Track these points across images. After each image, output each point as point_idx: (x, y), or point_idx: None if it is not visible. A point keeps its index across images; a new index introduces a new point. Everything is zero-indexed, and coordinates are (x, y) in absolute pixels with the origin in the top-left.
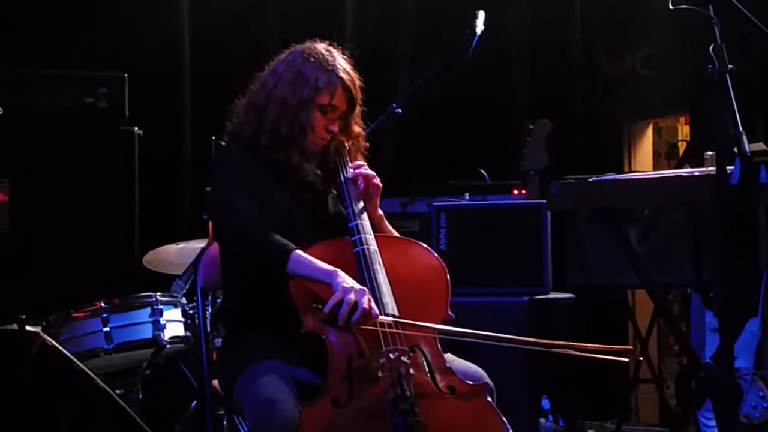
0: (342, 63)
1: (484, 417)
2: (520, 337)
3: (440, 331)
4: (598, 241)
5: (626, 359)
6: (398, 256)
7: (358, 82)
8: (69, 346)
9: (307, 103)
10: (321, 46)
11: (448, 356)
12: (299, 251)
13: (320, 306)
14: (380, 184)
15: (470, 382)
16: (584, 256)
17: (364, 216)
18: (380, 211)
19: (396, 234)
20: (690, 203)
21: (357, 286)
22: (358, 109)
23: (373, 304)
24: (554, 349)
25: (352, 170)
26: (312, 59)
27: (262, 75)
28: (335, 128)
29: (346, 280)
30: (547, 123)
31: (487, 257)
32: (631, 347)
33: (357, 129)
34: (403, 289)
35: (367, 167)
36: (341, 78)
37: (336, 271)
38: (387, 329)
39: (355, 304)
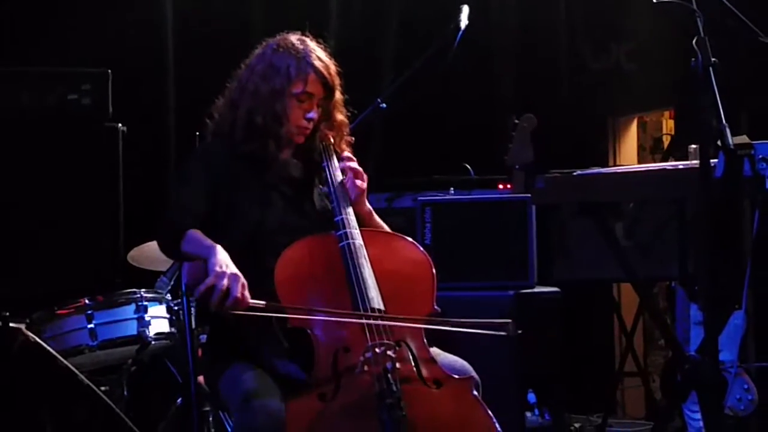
0: (314, 50)
1: (471, 411)
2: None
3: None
4: (583, 235)
5: (504, 333)
6: (384, 250)
7: (333, 68)
8: (53, 343)
9: (280, 92)
10: (293, 37)
11: (434, 350)
12: (196, 231)
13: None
14: (364, 183)
15: (456, 376)
16: (569, 250)
17: (350, 210)
18: (368, 206)
19: (386, 228)
20: (674, 196)
21: (231, 269)
22: (339, 96)
23: (246, 291)
24: (434, 326)
25: (338, 164)
26: (282, 49)
27: (238, 72)
28: (314, 115)
29: (221, 262)
30: (532, 118)
31: (473, 251)
32: (510, 320)
33: (340, 117)
34: (389, 283)
35: (355, 162)
36: (312, 64)
37: (214, 247)
38: (373, 322)
39: (227, 291)
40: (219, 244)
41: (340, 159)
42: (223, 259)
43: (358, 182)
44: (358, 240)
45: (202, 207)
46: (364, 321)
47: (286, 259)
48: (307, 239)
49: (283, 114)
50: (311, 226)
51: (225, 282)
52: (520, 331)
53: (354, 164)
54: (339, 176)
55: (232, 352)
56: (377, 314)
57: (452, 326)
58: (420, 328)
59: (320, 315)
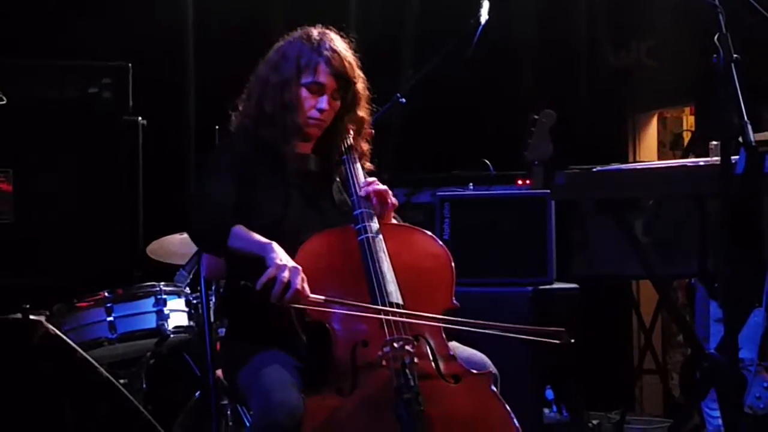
0: (331, 41)
1: (489, 406)
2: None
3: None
4: (602, 231)
5: (558, 341)
6: (403, 244)
7: (350, 60)
8: (73, 335)
9: (290, 81)
10: (315, 30)
11: (453, 344)
12: (241, 226)
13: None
14: (396, 202)
15: (474, 371)
16: (588, 246)
17: (369, 204)
18: (392, 219)
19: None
20: (695, 193)
21: (291, 263)
22: (362, 91)
23: (306, 284)
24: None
25: (359, 165)
26: (298, 40)
27: (259, 66)
28: (325, 106)
29: (281, 256)
30: (552, 113)
31: (491, 247)
32: (563, 328)
33: (361, 114)
34: (408, 277)
35: (377, 183)
36: (324, 54)
37: (270, 244)
38: (391, 318)
39: (288, 283)
40: None
41: (361, 156)
42: (282, 253)
43: (390, 202)
44: (378, 234)
45: (233, 200)
46: (391, 317)
47: (304, 252)
48: (326, 232)
49: (292, 103)
50: (330, 220)
51: (286, 274)
52: (573, 340)
53: (377, 185)
54: (360, 176)
55: (251, 346)
56: (396, 309)
57: (503, 330)
58: (443, 325)
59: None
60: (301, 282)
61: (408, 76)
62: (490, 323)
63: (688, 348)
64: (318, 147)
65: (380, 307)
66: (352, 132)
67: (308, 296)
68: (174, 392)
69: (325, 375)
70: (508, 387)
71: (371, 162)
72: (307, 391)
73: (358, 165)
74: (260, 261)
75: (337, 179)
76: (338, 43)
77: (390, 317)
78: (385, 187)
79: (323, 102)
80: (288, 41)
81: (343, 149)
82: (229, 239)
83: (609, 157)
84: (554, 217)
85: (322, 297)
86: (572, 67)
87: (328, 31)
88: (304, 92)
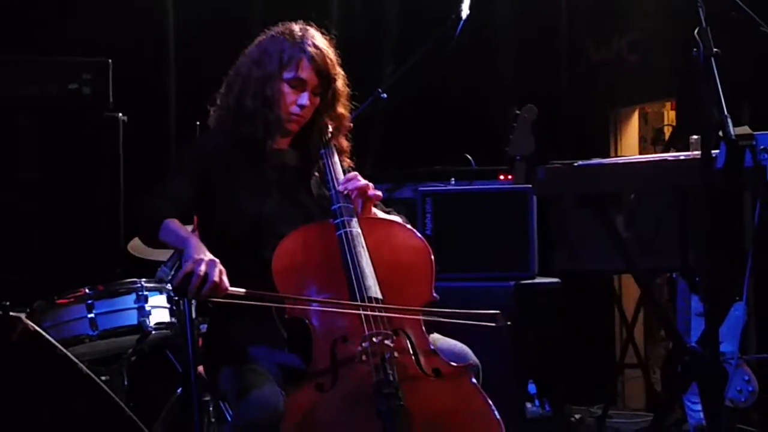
0: (312, 37)
1: (470, 400)
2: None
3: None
4: (584, 226)
5: (493, 324)
6: (382, 239)
7: (330, 57)
8: (53, 332)
9: (271, 76)
10: (296, 26)
11: (434, 336)
12: (173, 220)
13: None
14: (378, 193)
15: (455, 364)
16: (570, 241)
17: (348, 199)
18: (373, 210)
19: (397, 218)
20: (675, 187)
21: (208, 257)
22: (341, 88)
23: (224, 277)
24: (423, 317)
25: (337, 159)
26: (280, 35)
27: (237, 61)
28: (306, 102)
29: (198, 251)
30: (534, 108)
31: (473, 242)
32: (498, 311)
33: (341, 110)
34: (387, 272)
35: (358, 177)
36: (306, 50)
37: (189, 239)
38: (370, 313)
39: (205, 276)
40: (216, 236)
41: (341, 153)
42: (200, 247)
43: (370, 194)
44: (356, 228)
45: (186, 196)
46: (344, 310)
47: (282, 249)
48: (304, 228)
49: (273, 98)
50: (309, 215)
51: (203, 268)
52: (509, 323)
53: (357, 181)
54: (339, 170)
55: (232, 342)
56: (374, 304)
57: (442, 316)
58: (418, 317)
59: (314, 304)
60: (219, 275)
61: (389, 71)
62: (429, 309)
63: (670, 342)
64: (296, 142)
65: (329, 300)
66: (331, 128)
67: (227, 289)
68: (156, 389)
69: (305, 371)
70: (491, 381)
71: (352, 158)
72: (287, 388)
73: (336, 159)
74: (234, 259)
75: (316, 174)
76: (320, 40)
77: (362, 312)
78: (365, 182)
79: (304, 98)
80: (269, 36)
81: (322, 144)
82: (160, 232)
83: (590, 151)
84: (536, 212)
85: (243, 290)
86: (553, 62)
87: (309, 28)
88: (285, 87)
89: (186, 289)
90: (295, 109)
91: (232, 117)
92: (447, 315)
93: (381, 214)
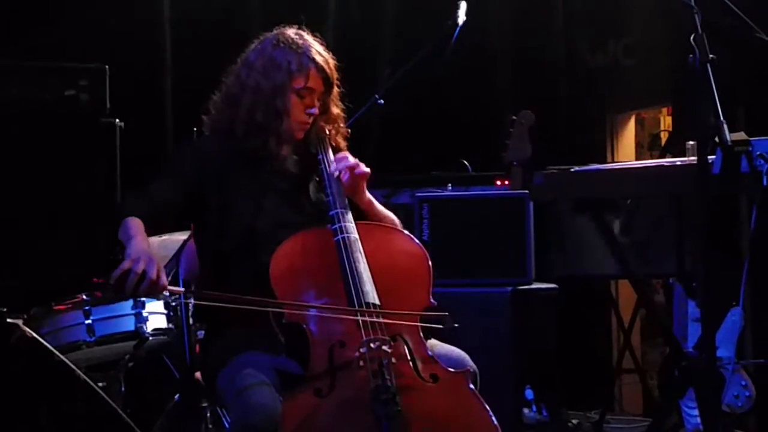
0: (313, 44)
1: (468, 405)
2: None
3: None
4: (580, 231)
5: (441, 326)
6: (379, 244)
7: (332, 62)
8: (51, 338)
9: (282, 88)
10: (291, 31)
11: (432, 342)
12: (133, 219)
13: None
14: (366, 170)
15: (452, 370)
16: (567, 246)
17: (346, 203)
18: (368, 196)
19: (390, 215)
20: (672, 193)
21: (147, 255)
22: (335, 90)
23: (162, 274)
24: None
25: (334, 163)
26: (282, 44)
27: (234, 67)
28: (315, 111)
29: (138, 249)
30: (530, 114)
31: (470, 248)
32: (446, 313)
33: (336, 110)
34: (384, 277)
35: (349, 156)
36: (313, 59)
37: (132, 239)
38: (368, 318)
39: (143, 274)
40: (213, 242)
41: (336, 152)
42: (141, 246)
43: (357, 171)
44: (353, 234)
45: (165, 199)
46: (341, 315)
47: (280, 254)
48: (302, 234)
49: (284, 110)
50: (307, 220)
51: (141, 265)
52: (456, 324)
53: (348, 161)
54: (334, 168)
55: (230, 348)
56: (368, 309)
57: (394, 318)
58: (415, 323)
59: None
60: (157, 272)
61: (386, 77)
62: (377, 311)
63: (667, 347)
64: (296, 148)
65: (309, 304)
66: (328, 130)
67: (166, 286)
68: (153, 395)
69: (303, 376)
70: (488, 387)
71: None
72: (284, 393)
73: (330, 153)
74: (232, 263)
75: (316, 179)
76: (320, 47)
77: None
78: (355, 160)
79: (314, 107)
80: (271, 44)
81: (320, 148)
82: (119, 230)
83: (587, 157)
84: (533, 217)
85: (181, 288)
86: (550, 68)
87: (304, 33)
88: (295, 98)
89: (123, 287)
90: (304, 117)
91: (243, 128)
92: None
93: (380, 208)
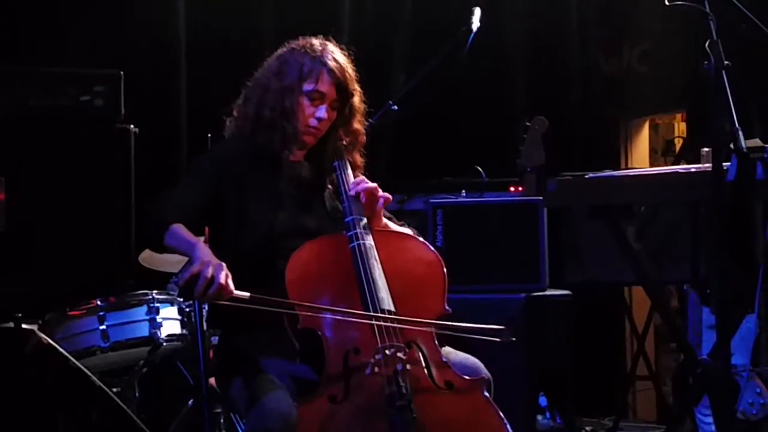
0: (331, 51)
1: (482, 413)
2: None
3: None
4: (594, 237)
5: (497, 339)
6: (394, 251)
7: (349, 72)
8: (65, 344)
9: (291, 88)
10: (316, 40)
11: (446, 349)
12: (180, 225)
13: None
14: (388, 196)
15: (467, 377)
16: (581, 252)
17: (361, 211)
18: (385, 221)
19: (407, 230)
20: (686, 200)
21: (215, 260)
22: (358, 104)
23: (230, 280)
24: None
25: (350, 171)
26: (301, 49)
27: (257, 72)
28: (324, 115)
29: (205, 254)
30: (544, 120)
31: (484, 254)
32: (504, 327)
33: (357, 126)
34: (400, 284)
35: (366, 181)
36: (326, 63)
37: (197, 243)
38: (383, 324)
39: (212, 279)
40: (229, 247)
41: (354, 168)
42: (207, 251)
43: (379, 195)
44: (369, 240)
45: (194, 203)
46: (359, 320)
47: (296, 260)
48: (318, 240)
49: (292, 110)
50: (322, 227)
51: (210, 270)
52: (513, 339)
53: (367, 183)
54: (351, 179)
55: (244, 354)
56: (386, 315)
57: (450, 330)
58: (430, 330)
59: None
60: (225, 278)
61: (400, 83)
62: (437, 322)
63: (681, 354)
64: (311, 155)
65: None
66: (345, 143)
67: (232, 292)
68: (167, 401)
69: (317, 382)
70: (502, 393)
71: (365, 171)
72: (299, 399)
73: (350, 172)
74: (247, 269)
75: (330, 187)
76: (339, 55)
77: (375, 322)
78: (374, 184)
79: (322, 111)
80: (289, 49)
81: (336, 157)
82: (166, 236)
83: (601, 163)
84: (546, 224)
85: (248, 294)
86: (564, 74)
87: (328, 43)
88: (304, 100)
89: (192, 291)
90: (312, 121)
91: (250, 126)
92: (454, 328)
93: (394, 226)
